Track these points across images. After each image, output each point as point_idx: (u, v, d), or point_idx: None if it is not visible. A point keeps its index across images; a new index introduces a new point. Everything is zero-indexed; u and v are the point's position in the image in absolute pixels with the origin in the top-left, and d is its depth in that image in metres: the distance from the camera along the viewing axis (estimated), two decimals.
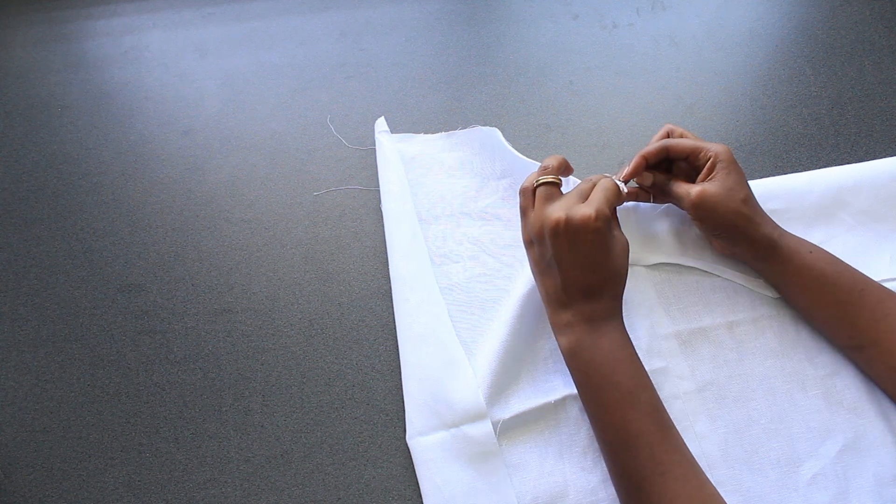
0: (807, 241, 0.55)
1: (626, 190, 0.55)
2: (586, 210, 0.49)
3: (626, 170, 0.57)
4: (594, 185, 0.52)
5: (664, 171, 0.59)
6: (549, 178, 0.52)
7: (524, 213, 0.53)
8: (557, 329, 0.51)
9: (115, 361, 0.58)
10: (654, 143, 0.57)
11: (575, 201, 0.50)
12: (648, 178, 0.57)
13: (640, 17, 0.78)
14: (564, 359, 0.51)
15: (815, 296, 0.54)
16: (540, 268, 0.52)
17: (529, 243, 0.53)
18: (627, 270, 0.51)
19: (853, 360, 0.55)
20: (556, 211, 0.49)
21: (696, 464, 0.46)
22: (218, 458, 0.54)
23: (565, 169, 0.55)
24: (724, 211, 0.54)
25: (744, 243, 0.55)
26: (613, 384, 0.47)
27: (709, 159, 0.55)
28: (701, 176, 0.56)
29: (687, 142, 0.56)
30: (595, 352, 0.49)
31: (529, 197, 0.53)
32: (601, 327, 0.49)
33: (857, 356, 0.54)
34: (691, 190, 0.55)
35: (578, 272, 0.49)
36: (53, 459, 0.54)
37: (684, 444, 0.47)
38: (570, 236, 0.49)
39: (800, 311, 0.57)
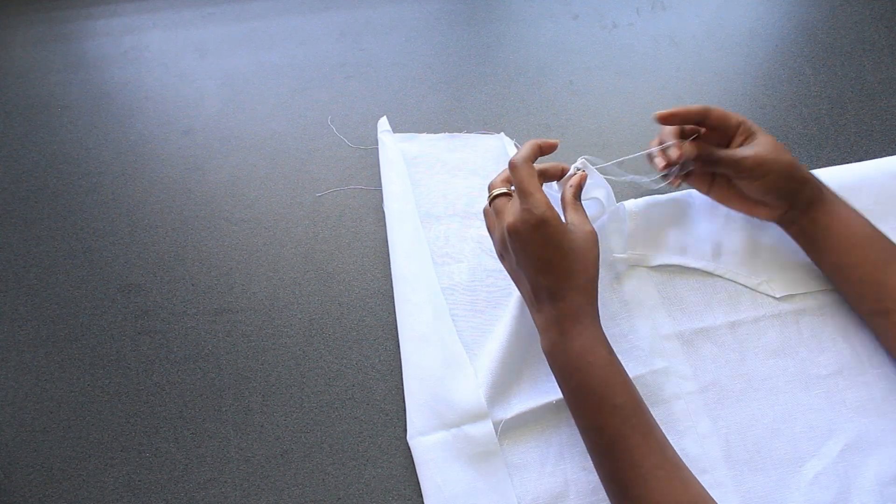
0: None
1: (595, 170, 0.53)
2: (519, 210, 0.48)
3: (672, 150, 0.54)
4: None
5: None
6: (497, 192, 0.52)
7: (491, 232, 0.53)
8: (539, 332, 0.50)
9: (115, 361, 0.58)
10: (692, 106, 0.55)
11: (517, 204, 0.49)
12: (692, 150, 0.54)
13: (640, 17, 0.78)
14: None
15: (852, 252, 0.54)
16: (513, 276, 0.53)
17: (501, 257, 0.53)
18: (595, 265, 0.49)
19: (874, 326, 0.55)
20: (507, 217, 0.49)
21: (681, 464, 0.45)
22: (218, 458, 0.54)
23: (513, 165, 0.50)
24: (780, 167, 0.53)
25: (794, 197, 0.55)
26: (588, 388, 0.46)
27: (740, 123, 0.55)
28: (739, 141, 0.55)
29: (721, 110, 0.56)
30: (567, 355, 0.47)
31: (490, 216, 0.53)
32: (570, 329, 0.47)
33: (881, 322, 0.54)
34: (746, 152, 0.53)
35: (537, 274, 0.48)
36: (53, 459, 0.54)
37: (667, 444, 0.46)
38: (520, 238, 0.48)
39: (830, 271, 0.56)
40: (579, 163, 0.54)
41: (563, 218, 0.50)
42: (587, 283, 0.49)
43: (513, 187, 0.51)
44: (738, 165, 0.54)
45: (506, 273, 0.60)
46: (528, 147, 0.51)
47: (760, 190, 0.55)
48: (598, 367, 0.47)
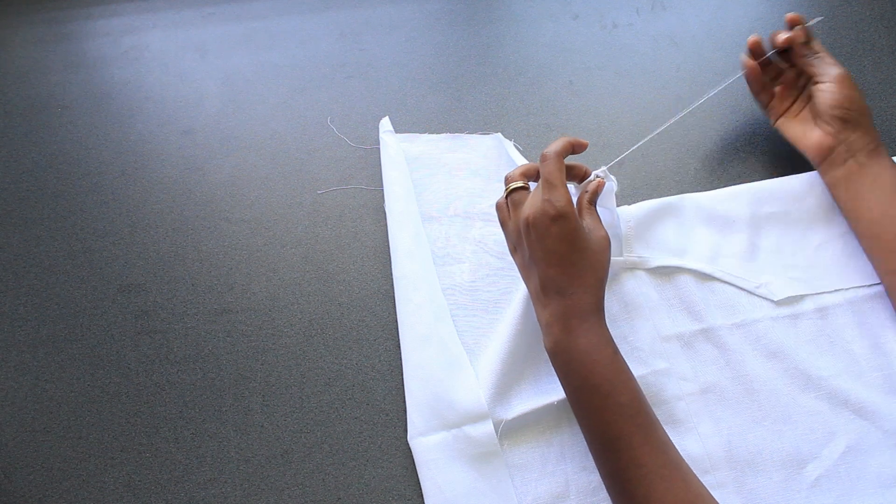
0: None
1: (613, 181, 0.55)
2: (540, 201, 0.48)
3: (782, 34, 0.61)
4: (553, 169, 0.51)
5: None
6: (515, 185, 0.52)
7: (504, 225, 0.54)
8: (542, 330, 0.50)
9: (115, 361, 0.58)
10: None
11: (539, 195, 0.49)
12: (801, 34, 0.60)
13: (640, 17, 0.78)
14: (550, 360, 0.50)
15: (892, 200, 0.56)
16: (523, 271, 0.52)
17: (514, 251, 0.53)
18: (605, 267, 0.50)
19: (893, 287, 0.56)
20: (525, 210, 0.49)
21: (683, 464, 0.45)
22: (218, 458, 0.54)
23: (550, 155, 0.51)
24: (860, 96, 0.59)
25: (856, 130, 0.58)
26: (592, 386, 0.46)
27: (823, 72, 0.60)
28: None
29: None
30: (572, 353, 0.48)
31: (504, 210, 0.53)
32: (576, 327, 0.47)
33: None
34: (839, 67, 0.59)
35: (549, 267, 0.48)
36: (53, 459, 0.54)
37: (670, 444, 0.46)
38: (537, 230, 0.48)
39: (865, 225, 0.58)
40: (600, 171, 0.55)
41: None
42: (596, 282, 0.49)
43: (530, 182, 0.53)
44: (827, 72, 0.59)
45: (507, 274, 0.60)
46: (561, 142, 0.51)
47: (836, 104, 0.58)
48: (602, 365, 0.47)
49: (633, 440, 0.45)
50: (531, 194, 0.50)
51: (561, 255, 0.48)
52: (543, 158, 0.50)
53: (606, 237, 0.50)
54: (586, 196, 0.53)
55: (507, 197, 0.53)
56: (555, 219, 0.47)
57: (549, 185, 0.48)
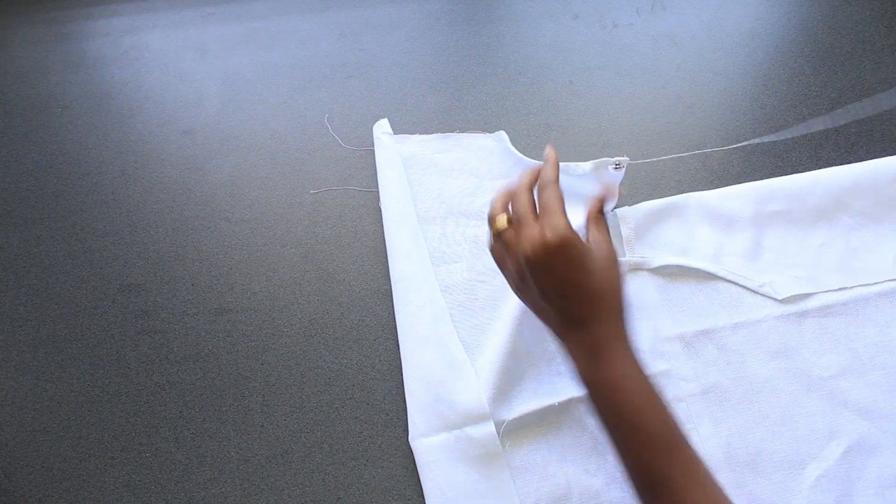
0: None
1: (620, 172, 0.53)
2: (538, 233, 0.45)
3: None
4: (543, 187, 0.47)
5: None
6: (501, 227, 0.48)
7: (503, 267, 0.50)
8: (571, 363, 0.47)
9: (115, 361, 0.58)
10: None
11: (532, 225, 0.46)
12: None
13: (640, 17, 0.78)
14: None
15: None
16: (537, 312, 0.49)
17: (519, 291, 0.50)
18: (619, 285, 0.46)
19: None
20: (523, 246, 0.45)
21: (718, 492, 0.42)
22: (218, 458, 0.54)
23: (516, 194, 0.48)
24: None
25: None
26: (625, 420, 0.44)
27: None
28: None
29: None
30: (601, 386, 0.44)
31: (499, 251, 0.50)
32: (604, 357, 0.44)
33: None
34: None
35: (563, 300, 0.45)
36: (53, 459, 0.54)
37: (709, 476, 0.43)
38: (541, 265, 0.45)
39: None
40: (622, 159, 0.52)
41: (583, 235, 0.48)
42: (616, 305, 0.46)
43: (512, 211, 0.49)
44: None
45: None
46: (553, 167, 0.48)
47: None
48: (634, 394, 0.44)
49: (675, 483, 0.42)
50: (524, 227, 0.46)
51: (573, 285, 0.45)
52: (542, 187, 0.47)
53: (613, 252, 0.47)
54: (595, 205, 0.50)
55: (496, 240, 0.49)
56: (559, 248, 0.44)
57: (547, 212, 0.45)
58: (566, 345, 0.47)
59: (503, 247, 0.49)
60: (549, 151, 0.50)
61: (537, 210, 0.47)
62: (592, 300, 0.45)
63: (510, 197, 0.49)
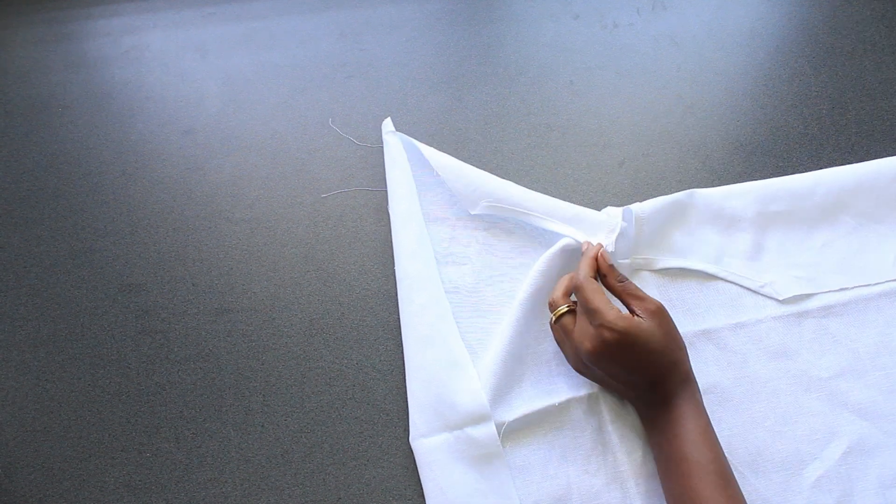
0: None
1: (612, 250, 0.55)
2: (594, 331, 0.48)
3: None
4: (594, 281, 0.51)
5: None
6: (561, 311, 0.52)
7: (561, 345, 0.54)
8: (643, 418, 0.52)
9: (115, 361, 0.58)
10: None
11: (589, 325, 0.49)
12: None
13: (641, 17, 0.78)
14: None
15: None
16: (606, 385, 0.53)
17: (578, 370, 0.53)
18: (677, 336, 0.50)
19: None
20: (583, 344, 0.49)
21: None
22: (218, 458, 0.54)
23: (581, 283, 0.51)
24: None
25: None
26: (680, 456, 0.47)
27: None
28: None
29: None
30: (665, 427, 0.48)
31: (559, 332, 0.53)
32: (670, 401, 0.49)
33: None
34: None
35: (630, 376, 0.49)
36: (53, 459, 0.54)
37: None
38: (606, 358, 0.49)
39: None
40: (636, 207, 0.56)
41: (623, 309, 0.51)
42: (678, 352, 0.50)
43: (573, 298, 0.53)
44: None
45: (510, 275, 0.60)
46: (589, 264, 0.53)
47: None
48: (696, 433, 0.47)
49: None
50: (578, 322, 0.51)
51: (637, 363, 0.49)
52: (578, 288, 0.51)
53: (660, 306, 0.50)
54: (616, 283, 0.52)
55: (556, 322, 0.53)
56: (619, 343, 0.48)
57: (593, 312, 0.49)
58: (636, 403, 0.52)
59: (563, 330, 0.52)
60: (595, 248, 0.54)
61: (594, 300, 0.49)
62: (658, 367, 0.49)
63: (570, 286, 0.53)
